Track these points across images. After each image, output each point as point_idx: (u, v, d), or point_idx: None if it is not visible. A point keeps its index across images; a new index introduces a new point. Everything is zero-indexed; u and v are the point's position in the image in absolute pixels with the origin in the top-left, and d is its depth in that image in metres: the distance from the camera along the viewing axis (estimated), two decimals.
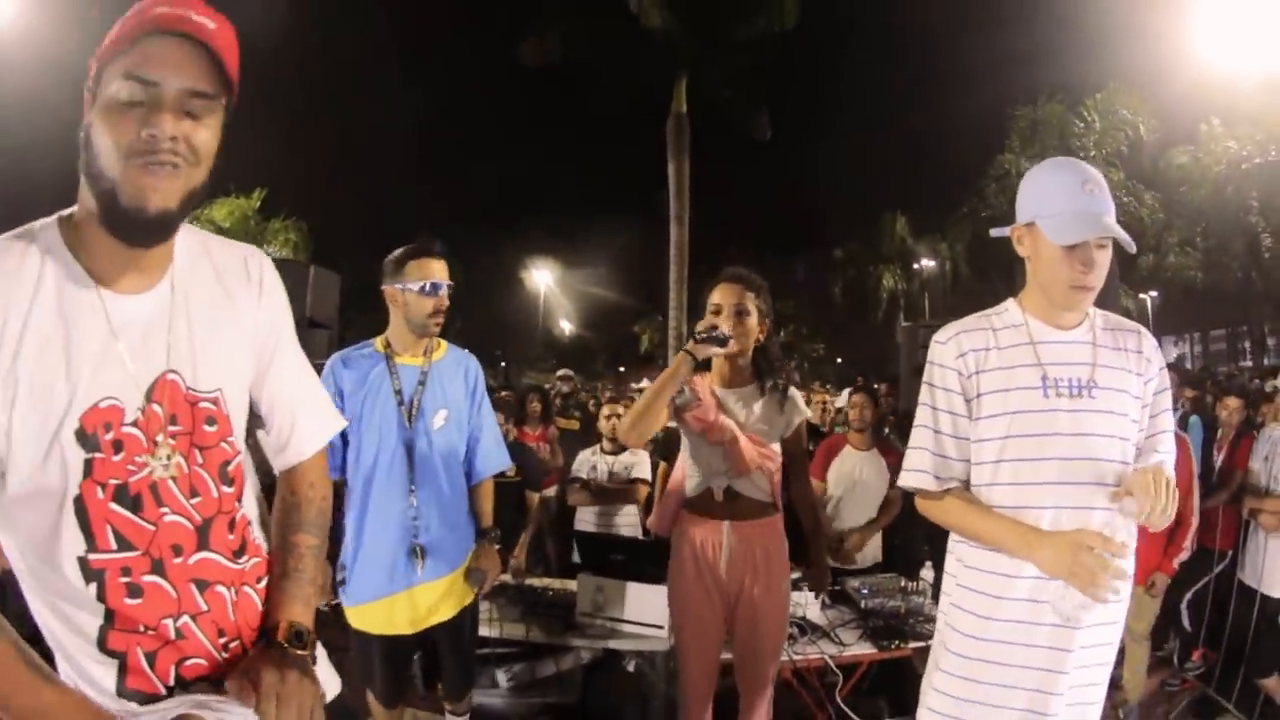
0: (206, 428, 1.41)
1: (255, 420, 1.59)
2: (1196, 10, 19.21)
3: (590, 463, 5.60)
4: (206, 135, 1.27)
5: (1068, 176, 1.98)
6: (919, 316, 31.44)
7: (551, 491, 6.12)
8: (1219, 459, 5.40)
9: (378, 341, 3.25)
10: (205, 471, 1.40)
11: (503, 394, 7.25)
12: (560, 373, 11.42)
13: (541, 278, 40.74)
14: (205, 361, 1.41)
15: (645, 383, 6.75)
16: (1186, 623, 5.26)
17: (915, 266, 35.55)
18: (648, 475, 5.44)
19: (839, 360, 45.09)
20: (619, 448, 5.53)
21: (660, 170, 21.33)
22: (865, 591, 4.24)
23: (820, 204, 43.73)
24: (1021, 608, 1.96)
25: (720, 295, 3.11)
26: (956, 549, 2.14)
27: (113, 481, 1.29)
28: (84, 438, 1.26)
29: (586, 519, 5.41)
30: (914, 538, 5.16)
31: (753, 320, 3.11)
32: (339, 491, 3.03)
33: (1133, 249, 1.96)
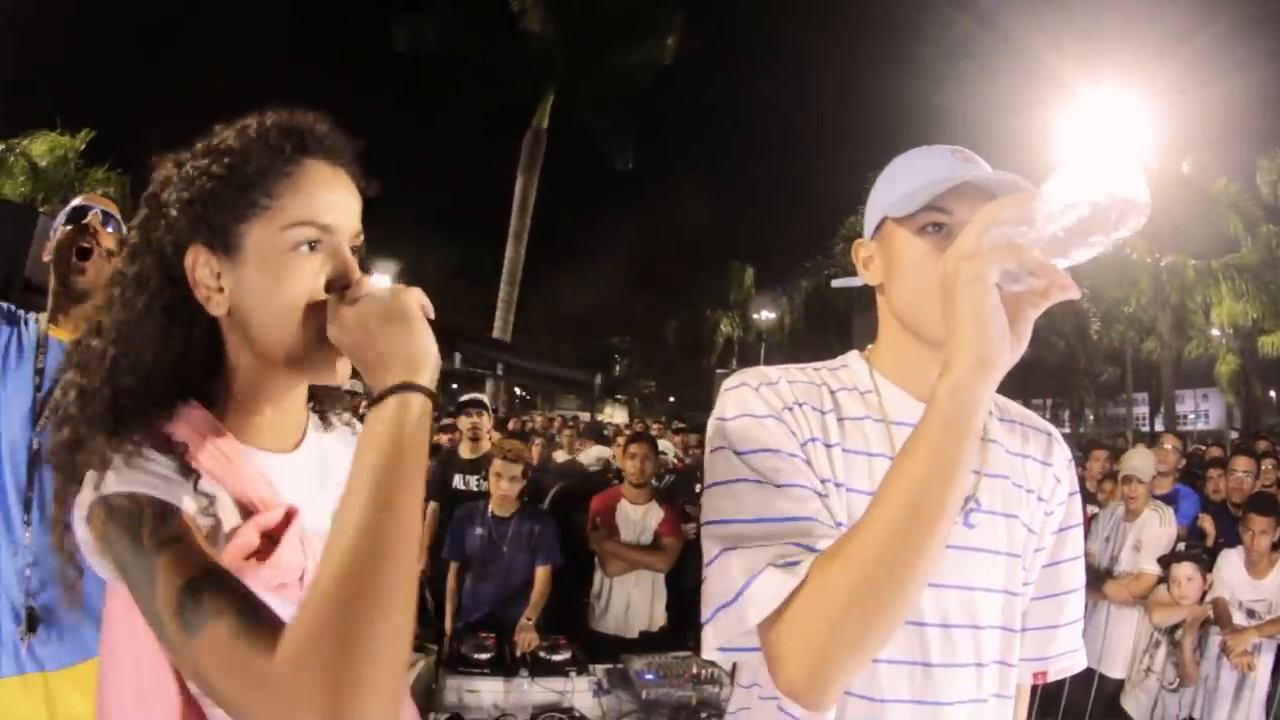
0: None
1: None
2: (1053, 114, 20.43)
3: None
4: None
5: (929, 151, 1.28)
6: (754, 365, 32.18)
7: None
8: None
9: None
10: None
11: None
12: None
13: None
14: None
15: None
16: None
17: (756, 316, 35.93)
18: None
19: (671, 399, 45.30)
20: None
21: (509, 184, 20.53)
22: (650, 677, 3.49)
23: (666, 243, 43.65)
24: None
25: None
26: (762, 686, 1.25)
27: None
28: None
29: None
30: None
31: None
32: None
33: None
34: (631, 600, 4.56)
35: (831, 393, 1.26)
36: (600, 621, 4.59)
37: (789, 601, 1.01)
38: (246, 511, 1.03)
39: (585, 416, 31.65)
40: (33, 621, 2.08)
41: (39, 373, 2.22)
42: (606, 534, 4.58)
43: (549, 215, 20.83)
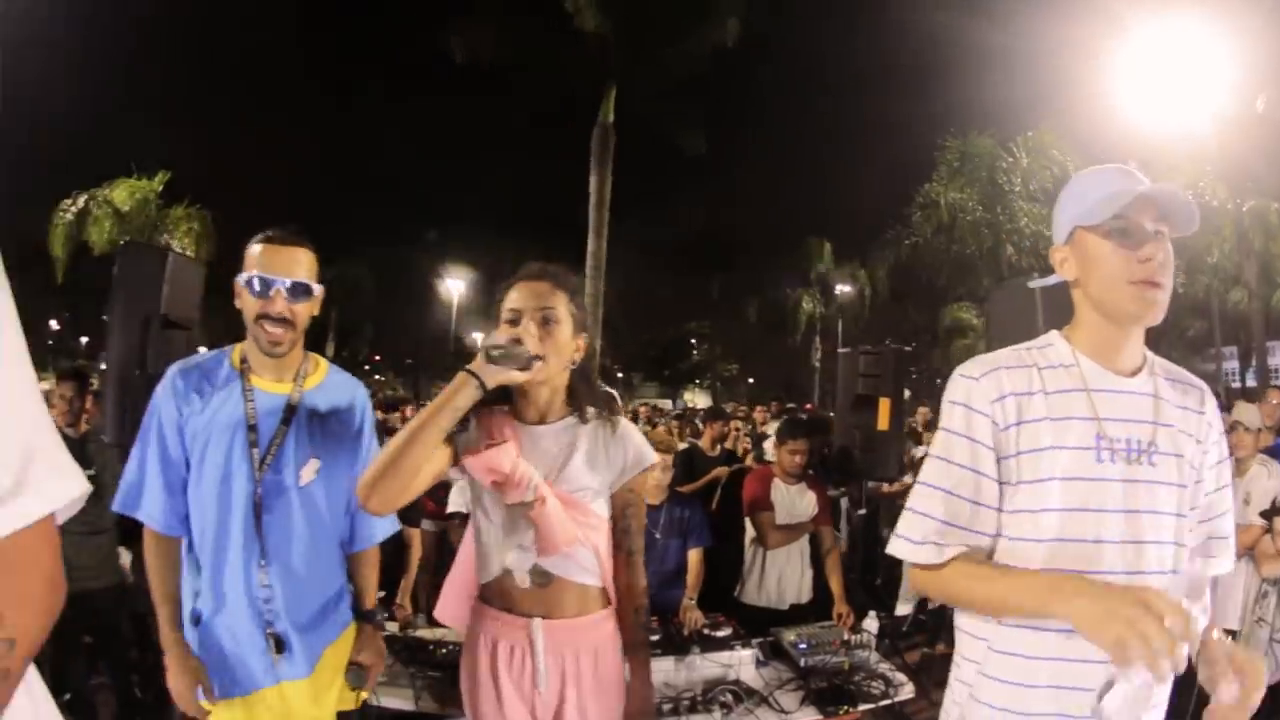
0: None
1: None
2: (1123, 69, 19.89)
3: None
4: None
5: (1103, 170, 1.69)
6: (833, 340, 31.78)
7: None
8: None
9: (235, 352, 2.47)
10: None
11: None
12: None
13: (455, 286, 39.45)
14: None
15: None
16: None
17: (836, 291, 35.73)
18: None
19: (751, 380, 45.39)
20: None
21: (583, 181, 20.80)
22: (803, 646, 3.79)
23: (741, 224, 43.71)
24: (1045, 697, 1.58)
25: (520, 298, 2.21)
26: (979, 629, 1.71)
27: None
28: None
29: None
30: (855, 584, 4.83)
31: (565, 332, 2.23)
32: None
33: (1194, 225, 1.62)
34: (784, 573, 4.78)
35: (1039, 371, 1.67)
36: (752, 595, 4.78)
37: (931, 568, 1.65)
38: (492, 437, 2.17)
39: (664, 404, 31.92)
40: (280, 645, 2.38)
41: (252, 429, 2.37)
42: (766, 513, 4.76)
43: (622, 207, 20.95)
